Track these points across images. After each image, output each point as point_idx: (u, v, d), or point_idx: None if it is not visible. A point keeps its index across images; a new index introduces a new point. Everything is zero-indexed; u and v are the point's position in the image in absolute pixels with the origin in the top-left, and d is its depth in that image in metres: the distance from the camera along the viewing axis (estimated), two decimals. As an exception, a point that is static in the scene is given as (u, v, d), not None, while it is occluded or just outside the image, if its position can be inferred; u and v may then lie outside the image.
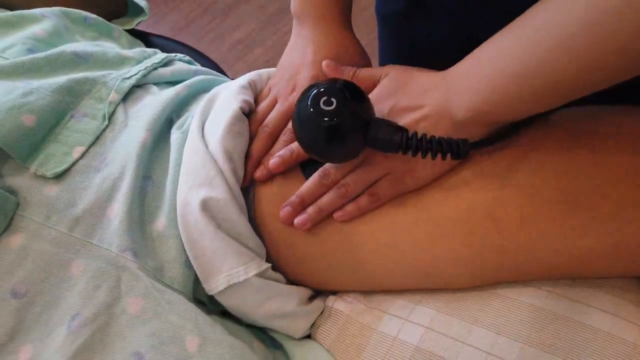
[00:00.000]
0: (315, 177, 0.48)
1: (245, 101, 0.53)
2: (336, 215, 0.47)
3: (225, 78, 0.67)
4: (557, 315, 0.44)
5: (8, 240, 0.45)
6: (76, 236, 0.46)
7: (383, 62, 0.80)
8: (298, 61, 0.54)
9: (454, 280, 0.47)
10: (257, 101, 0.55)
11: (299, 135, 0.45)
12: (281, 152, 0.49)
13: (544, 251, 0.43)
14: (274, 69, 0.58)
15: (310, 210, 0.48)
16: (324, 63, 0.51)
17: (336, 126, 0.42)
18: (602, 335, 0.42)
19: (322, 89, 0.42)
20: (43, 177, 0.47)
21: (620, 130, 0.43)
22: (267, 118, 0.53)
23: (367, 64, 0.57)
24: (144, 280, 0.45)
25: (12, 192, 0.46)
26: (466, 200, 0.45)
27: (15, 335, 0.43)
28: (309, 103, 0.42)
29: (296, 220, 0.48)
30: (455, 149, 0.41)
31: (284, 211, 0.48)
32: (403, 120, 0.44)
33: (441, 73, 0.45)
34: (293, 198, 0.48)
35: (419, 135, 0.42)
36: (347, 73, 0.50)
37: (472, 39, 0.65)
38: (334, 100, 0.42)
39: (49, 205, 0.46)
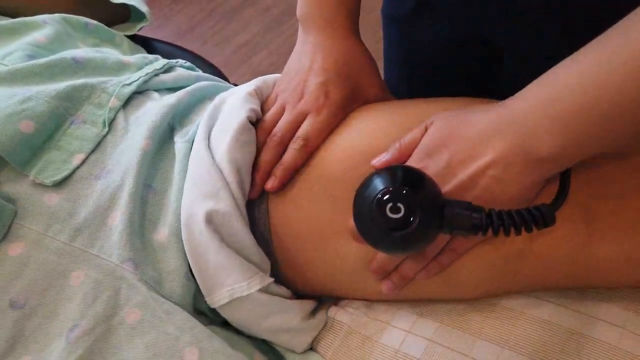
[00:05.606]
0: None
1: (253, 110, 0.52)
2: (419, 277, 0.45)
3: (227, 84, 0.67)
4: (562, 328, 0.43)
5: (7, 249, 0.44)
6: (77, 246, 0.45)
7: (388, 65, 0.79)
8: (306, 67, 0.53)
9: (469, 289, 0.46)
10: (263, 109, 0.54)
11: (367, 238, 0.40)
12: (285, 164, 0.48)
13: (562, 258, 0.43)
14: (279, 75, 0.57)
15: (395, 279, 0.46)
16: (372, 163, 0.45)
17: (410, 234, 0.37)
18: (609, 348, 0.42)
19: (384, 194, 0.37)
20: (42, 185, 0.47)
21: None
22: (276, 127, 0.51)
23: (374, 68, 0.57)
24: (142, 292, 0.44)
25: (11, 200, 0.46)
26: None
27: (13, 347, 0.42)
28: (373, 211, 0.38)
29: (385, 290, 0.46)
30: (540, 220, 0.37)
31: (387, 286, 0.46)
32: (466, 172, 0.40)
33: (497, 110, 0.41)
34: (374, 266, 0.46)
35: (497, 211, 0.38)
36: (395, 151, 0.44)
37: (477, 39, 0.65)
38: (401, 206, 0.37)
39: (49, 214, 0.46)
